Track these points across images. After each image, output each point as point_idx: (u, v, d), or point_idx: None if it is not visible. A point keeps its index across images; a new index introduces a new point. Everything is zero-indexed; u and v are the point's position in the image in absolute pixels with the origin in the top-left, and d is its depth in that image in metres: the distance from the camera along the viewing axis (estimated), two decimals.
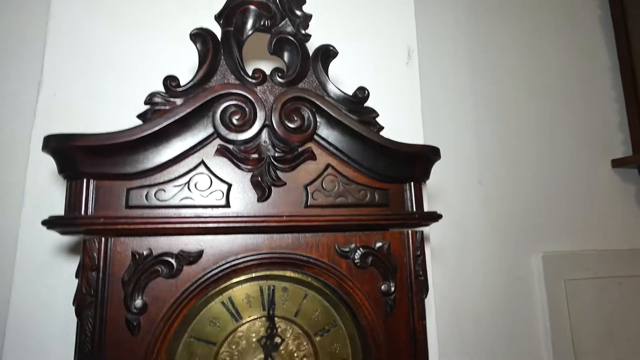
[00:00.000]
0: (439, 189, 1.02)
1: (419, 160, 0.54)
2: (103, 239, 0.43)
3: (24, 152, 0.56)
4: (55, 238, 0.56)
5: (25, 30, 0.65)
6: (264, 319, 0.50)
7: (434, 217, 0.54)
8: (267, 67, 0.51)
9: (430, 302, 0.83)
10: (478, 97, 1.13)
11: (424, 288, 0.54)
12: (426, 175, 0.56)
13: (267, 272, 0.50)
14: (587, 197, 1.23)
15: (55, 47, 0.65)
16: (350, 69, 0.80)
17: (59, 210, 0.54)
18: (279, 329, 0.51)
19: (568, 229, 1.20)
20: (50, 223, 0.42)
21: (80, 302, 0.42)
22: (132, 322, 0.43)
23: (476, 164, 1.10)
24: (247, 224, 0.46)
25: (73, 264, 0.43)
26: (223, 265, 0.47)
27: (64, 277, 0.56)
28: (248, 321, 0.50)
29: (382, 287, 0.52)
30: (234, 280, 0.48)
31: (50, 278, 0.56)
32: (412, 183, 0.54)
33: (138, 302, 0.43)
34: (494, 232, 1.10)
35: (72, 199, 0.43)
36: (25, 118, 0.59)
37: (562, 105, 1.26)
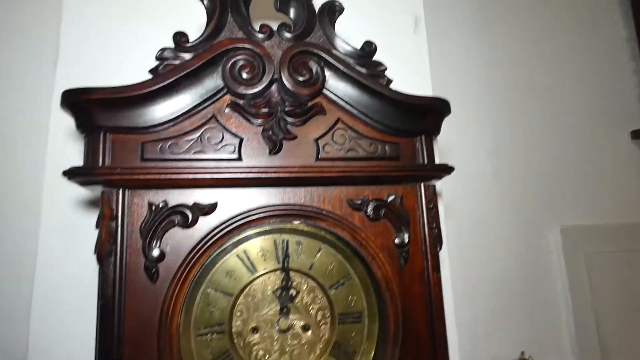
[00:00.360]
0: (449, 162, 1.01)
1: (429, 112, 0.53)
2: (121, 190, 0.45)
3: (45, 122, 0.58)
4: (77, 195, 0.59)
5: (42, 9, 0.67)
6: (278, 272, 0.51)
7: (446, 169, 0.54)
8: (273, 26, 0.52)
9: (445, 272, 0.82)
10: (490, 67, 1.11)
11: (437, 241, 0.53)
12: (437, 129, 0.55)
13: (281, 226, 0.50)
14: (606, 169, 1.20)
15: (70, 27, 0.67)
16: (357, 37, 0.80)
17: None
18: (294, 282, 0.51)
19: (587, 202, 1.17)
20: (71, 173, 0.43)
21: (101, 250, 0.43)
22: (151, 269, 0.44)
23: (488, 135, 1.08)
24: (260, 175, 0.47)
25: (94, 219, 0.44)
26: (237, 216, 0.48)
27: (85, 232, 0.58)
28: (263, 274, 0.50)
29: (396, 239, 0.52)
30: (248, 232, 0.49)
31: (73, 233, 0.58)
32: (422, 136, 0.54)
33: (156, 251, 0.45)
34: (508, 205, 1.08)
35: (90, 153, 0.45)
36: (44, 86, 0.61)
37: (580, 76, 1.24)
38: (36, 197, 0.58)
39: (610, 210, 1.19)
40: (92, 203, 0.60)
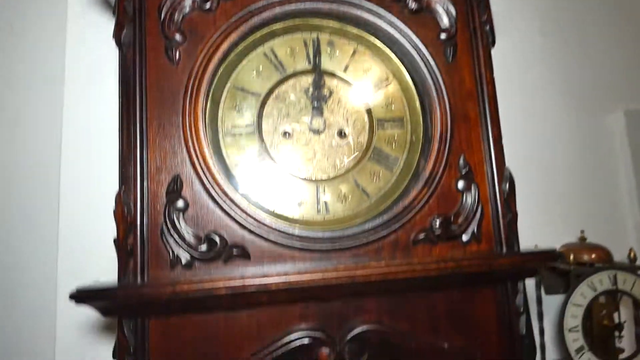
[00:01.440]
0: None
1: None
2: None
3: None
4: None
5: None
6: (309, 73, 0.46)
7: None
8: None
9: None
10: None
11: (489, 35, 0.47)
12: None
13: (309, 21, 0.45)
14: None
15: None
16: None
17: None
18: (327, 83, 0.46)
19: None
20: None
21: (119, 31, 0.40)
22: (171, 49, 0.41)
23: (542, 9, 0.96)
24: None
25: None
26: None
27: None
28: (293, 74, 0.46)
29: (441, 34, 0.46)
30: (275, 27, 0.44)
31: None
32: None
33: (176, 33, 0.41)
34: (562, 86, 0.97)
35: None
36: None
37: None
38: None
39: None
40: None
